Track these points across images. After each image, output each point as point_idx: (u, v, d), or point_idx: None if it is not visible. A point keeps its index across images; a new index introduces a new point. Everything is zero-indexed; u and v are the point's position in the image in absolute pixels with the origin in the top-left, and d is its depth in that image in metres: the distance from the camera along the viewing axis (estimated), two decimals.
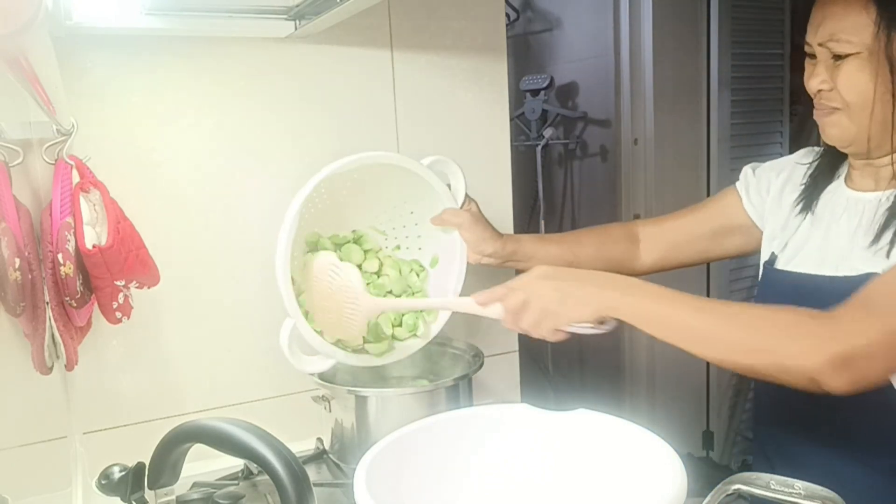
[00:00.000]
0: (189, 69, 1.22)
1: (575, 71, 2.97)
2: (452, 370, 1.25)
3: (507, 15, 2.69)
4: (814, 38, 0.94)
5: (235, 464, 1.13)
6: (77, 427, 1.14)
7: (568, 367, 3.07)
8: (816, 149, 1.11)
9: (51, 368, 1.08)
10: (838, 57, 0.92)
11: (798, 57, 2.71)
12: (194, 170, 1.24)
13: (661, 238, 1.21)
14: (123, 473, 0.87)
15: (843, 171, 1.04)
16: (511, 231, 1.51)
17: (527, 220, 3.01)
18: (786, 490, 0.65)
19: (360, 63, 1.33)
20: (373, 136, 1.36)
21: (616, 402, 2.92)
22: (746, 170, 1.17)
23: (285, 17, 1.21)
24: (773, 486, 0.66)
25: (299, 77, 1.29)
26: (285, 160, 1.30)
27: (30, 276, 0.99)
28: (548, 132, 2.94)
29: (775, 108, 2.87)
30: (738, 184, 1.17)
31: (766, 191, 1.13)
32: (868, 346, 0.77)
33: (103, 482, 0.87)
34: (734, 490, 0.68)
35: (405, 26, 1.36)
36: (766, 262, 1.08)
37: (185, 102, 1.22)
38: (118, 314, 1.08)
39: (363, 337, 1.10)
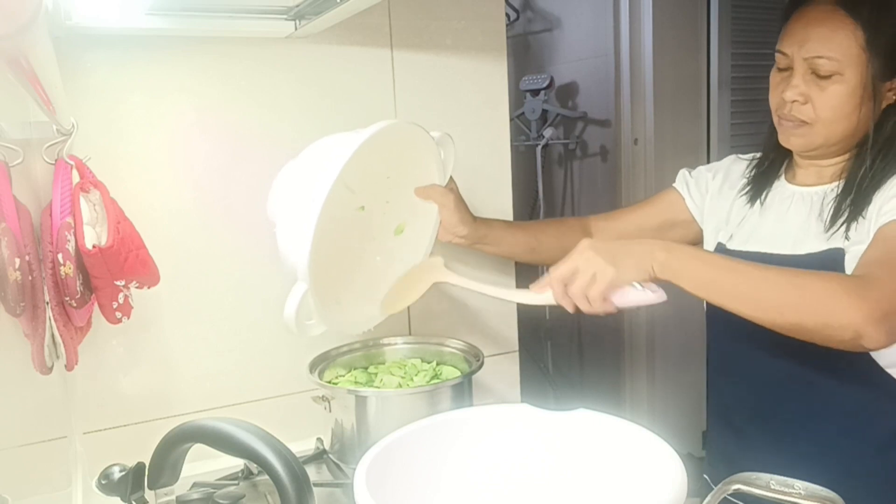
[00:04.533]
0: (189, 69, 1.22)
1: (575, 71, 2.97)
2: (452, 370, 1.25)
3: (507, 15, 2.69)
4: (797, 51, 0.99)
5: (235, 464, 1.13)
6: (77, 427, 1.14)
7: (568, 367, 3.07)
8: (742, 156, 1.22)
9: (51, 368, 1.08)
10: (821, 76, 0.98)
11: None
12: (194, 170, 1.24)
13: (611, 231, 1.29)
14: (123, 473, 0.87)
15: (783, 169, 1.14)
16: None
17: (527, 220, 3.01)
18: (785, 490, 0.65)
19: (360, 63, 1.33)
20: None
21: (616, 402, 2.92)
22: (683, 172, 1.27)
23: (285, 17, 1.20)
24: (773, 486, 0.66)
25: (299, 77, 1.29)
26: (286, 160, 1.30)
27: (30, 277, 0.99)
28: (548, 132, 2.94)
29: None
30: (676, 184, 1.27)
31: (706, 189, 1.23)
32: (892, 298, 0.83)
33: (103, 482, 0.87)
34: (734, 490, 0.68)
35: (405, 26, 1.36)
36: (715, 250, 1.15)
37: (185, 102, 1.22)
38: (118, 314, 1.08)
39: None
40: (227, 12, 1.18)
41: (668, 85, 2.71)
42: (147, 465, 0.83)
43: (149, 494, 0.85)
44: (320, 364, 1.22)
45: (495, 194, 1.49)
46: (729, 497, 0.69)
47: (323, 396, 1.17)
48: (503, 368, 1.51)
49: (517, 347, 1.54)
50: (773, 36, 1.06)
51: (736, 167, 1.21)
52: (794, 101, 1.01)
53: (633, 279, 0.89)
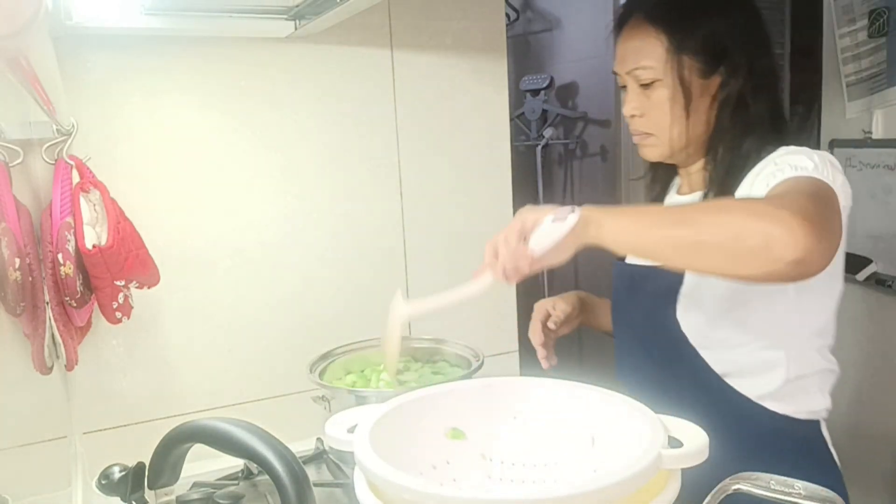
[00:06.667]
0: (189, 69, 1.22)
1: (575, 71, 2.96)
2: (452, 370, 1.25)
3: (507, 15, 2.68)
4: (621, 69, 1.05)
5: (235, 464, 1.13)
6: (77, 427, 1.14)
7: (568, 368, 3.06)
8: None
9: (51, 368, 1.08)
10: (646, 85, 1.02)
11: (798, 57, 2.71)
12: (194, 169, 1.24)
13: None
14: (123, 473, 0.87)
15: (675, 182, 1.15)
16: None
17: None
18: (785, 490, 0.65)
19: (361, 63, 1.33)
20: (373, 135, 1.36)
21: None
22: None
23: (285, 17, 1.21)
24: (773, 486, 0.66)
25: (299, 77, 1.29)
26: (285, 160, 1.30)
27: (30, 277, 0.99)
28: (548, 132, 2.94)
29: None
30: None
31: None
32: (809, 208, 0.77)
33: (103, 482, 0.87)
34: (734, 490, 0.68)
35: (405, 26, 1.36)
36: (616, 259, 1.12)
37: (185, 102, 1.22)
38: (118, 314, 1.08)
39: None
40: (226, 12, 1.18)
41: None
42: (147, 465, 0.83)
43: (149, 494, 0.84)
44: (320, 364, 1.22)
45: (495, 194, 1.49)
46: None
47: (323, 396, 1.17)
48: (503, 368, 1.51)
49: (517, 347, 1.54)
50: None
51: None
52: (632, 116, 1.04)
53: (543, 217, 0.84)
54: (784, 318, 0.97)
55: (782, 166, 0.90)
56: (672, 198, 1.15)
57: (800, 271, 0.75)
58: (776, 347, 0.98)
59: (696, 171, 1.08)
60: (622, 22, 1.06)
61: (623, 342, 1.15)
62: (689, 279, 1.00)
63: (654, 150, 1.06)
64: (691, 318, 1.00)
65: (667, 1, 1.02)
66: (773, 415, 0.99)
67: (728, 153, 1.01)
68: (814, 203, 0.80)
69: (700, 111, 1.01)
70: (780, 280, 0.78)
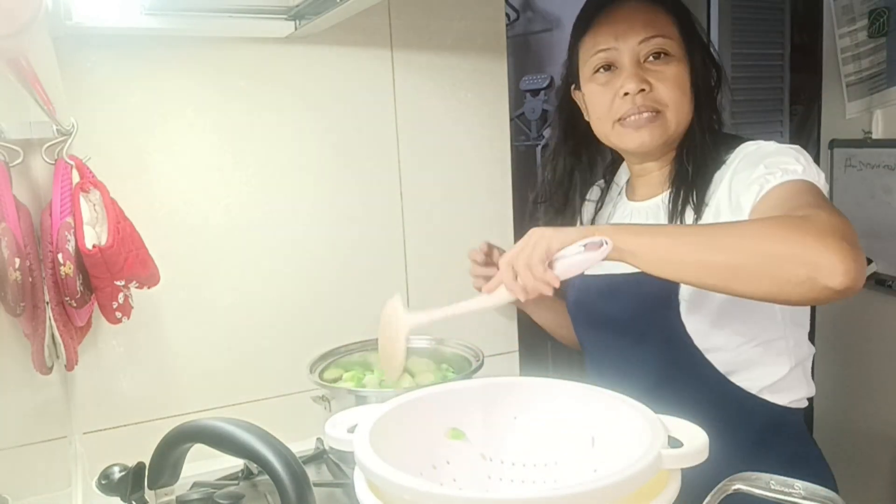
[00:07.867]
0: (189, 69, 1.22)
1: None
2: (452, 370, 1.25)
3: (507, 15, 2.68)
4: (623, 43, 0.98)
5: (235, 464, 1.13)
6: (77, 427, 1.14)
7: (568, 367, 3.06)
8: (601, 183, 1.20)
9: (51, 368, 1.08)
10: (657, 56, 0.97)
11: (798, 57, 2.71)
12: (194, 170, 1.24)
13: None
14: (123, 473, 0.87)
15: (624, 189, 1.14)
16: (511, 230, 1.51)
17: (527, 220, 3.01)
18: (785, 490, 0.65)
19: (361, 63, 1.33)
20: (373, 136, 1.36)
21: None
22: None
23: (285, 17, 1.21)
24: (773, 486, 0.66)
25: (299, 77, 1.29)
26: (284, 160, 1.30)
27: (30, 277, 0.99)
28: (548, 132, 2.94)
29: (775, 108, 2.87)
30: None
31: None
32: (843, 227, 0.76)
33: (103, 482, 0.87)
34: (734, 490, 0.68)
35: (405, 26, 1.36)
36: None
37: (185, 102, 1.22)
38: (118, 314, 1.08)
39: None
40: (226, 12, 1.18)
41: None
42: (147, 465, 0.83)
43: (149, 494, 0.84)
44: (320, 364, 1.22)
45: (495, 194, 1.49)
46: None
47: (323, 396, 1.17)
48: (503, 368, 1.51)
49: (517, 347, 1.54)
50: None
51: (588, 208, 1.21)
52: (641, 90, 0.97)
53: (575, 238, 0.82)
54: (782, 308, 0.97)
55: (772, 169, 0.88)
56: (625, 204, 1.12)
57: (845, 296, 0.73)
58: (781, 337, 0.98)
59: (659, 168, 1.05)
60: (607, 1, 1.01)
61: (604, 353, 1.11)
62: None
63: (659, 132, 0.98)
64: (695, 320, 0.98)
65: None
66: (773, 407, 0.99)
67: (701, 151, 0.99)
68: (841, 221, 0.77)
69: (690, 101, 0.99)
70: (820, 303, 0.77)
